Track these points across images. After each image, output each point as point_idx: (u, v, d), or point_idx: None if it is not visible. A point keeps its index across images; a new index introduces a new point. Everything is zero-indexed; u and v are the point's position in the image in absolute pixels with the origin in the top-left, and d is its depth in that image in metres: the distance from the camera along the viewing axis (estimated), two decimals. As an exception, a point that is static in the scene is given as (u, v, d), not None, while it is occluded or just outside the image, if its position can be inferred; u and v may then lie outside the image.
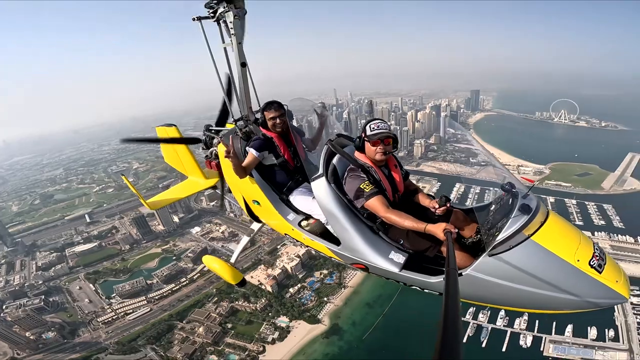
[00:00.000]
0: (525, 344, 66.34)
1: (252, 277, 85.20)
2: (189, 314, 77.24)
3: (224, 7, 4.69)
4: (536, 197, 3.87)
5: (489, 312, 71.58)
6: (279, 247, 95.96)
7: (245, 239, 7.91)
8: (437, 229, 3.56)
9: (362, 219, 4.48)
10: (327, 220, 4.78)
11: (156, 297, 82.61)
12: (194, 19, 4.89)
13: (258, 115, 5.76)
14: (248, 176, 5.36)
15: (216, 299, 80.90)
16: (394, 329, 70.06)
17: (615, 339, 65.61)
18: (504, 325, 70.00)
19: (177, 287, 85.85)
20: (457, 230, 3.51)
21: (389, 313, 74.12)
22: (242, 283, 7.44)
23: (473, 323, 70.66)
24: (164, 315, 77.14)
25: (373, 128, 4.30)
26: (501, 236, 3.48)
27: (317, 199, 4.54)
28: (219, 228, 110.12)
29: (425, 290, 4.29)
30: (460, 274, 3.62)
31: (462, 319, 67.04)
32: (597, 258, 3.47)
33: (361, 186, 4.20)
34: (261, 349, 68.88)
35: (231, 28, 4.80)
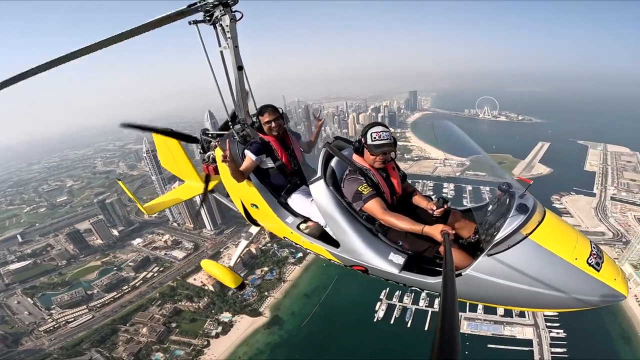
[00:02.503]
0: (444, 322, 75.46)
1: (194, 279, 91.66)
2: (132, 317, 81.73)
3: (220, 11, 4.79)
4: (533, 196, 3.97)
5: (413, 294, 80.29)
6: (221, 250, 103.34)
7: (244, 243, 8.10)
8: (435, 231, 3.65)
9: (361, 221, 4.58)
10: (326, 222, 4.90)
11: (98, 305, 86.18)
12: (190, 23, 4.92)
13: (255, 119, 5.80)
14: (246, 180, 5.49)
15: (159, 302, 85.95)
16: (329, 315, 78.36)
17: (521, 314, 73.95)
18: (425, 306, 78.73)
19: (119, 295, 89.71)
20: (454, 232, 3.60)
21: (325, 302, 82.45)
22: (242, 286, 7.64)
23: (399, 305, 79.47)
24: (107, 321, 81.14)
25: (374, 137, 4.34)
26: (499, 236, 3.59)
27: (316, 201, 4.65)
28: (161, 237, 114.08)
29: (424, 291, 4.43)
30: (460, 274, 3.74)
31: (389, 301, 76.47)
32: (595, 256, 3.57)
33: (359, 189, 4.30)
34: (205, 343, 74.93)
35: (227, 32, 4.91)
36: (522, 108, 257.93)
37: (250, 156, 5.30)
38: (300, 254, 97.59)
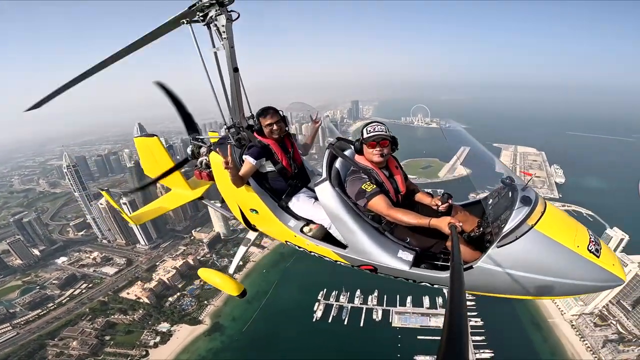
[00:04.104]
0: (378, 317, 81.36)
1: (128, 293, 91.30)
2: (60, 332, 80.00)
3: (216, 11, 4.65)
4: (534, 189, 4.09)
5: (349, 293, 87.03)
6: (157, 263, 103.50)
7: (242, 249, 8.17)
8: (442, 223, 3.70)
9: (368, 221, 4.65)
10: (331, 224, 4.96)
11: (22, 323, 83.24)
12: (182, 23, 4.79)
13: (251, 122, 5.81)
14: (244, 185, 5.38)
15: (90, 316, 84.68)
16: (270, 318, 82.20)
17: (445, 305, 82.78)
18: (360, 303, 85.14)
19: (44, 312, 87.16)
20: (461, 224, 3.63)
21: (265, 306, 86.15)
22: (244, 294, 7.62)
23: (336, 305, 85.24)
24: (33, 337, 78.81)
25: (369, 130, 4.45)
26: (507, 227, 3.67)
27: (322, 203, 4.66)
28: (89, 255, 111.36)
29: (434, 286, 4.49)
30: (471, 267, 3.85)
31: (326, 301, 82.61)
32: (594, 243, 3.71)
33: (362, 187, 4.34)
34: (144, 353, 75.56)
35: (223, 32, 4.77)
36: (451, 115, 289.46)
37: (249, 161, 5.23)
38: (240, 262, 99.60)
